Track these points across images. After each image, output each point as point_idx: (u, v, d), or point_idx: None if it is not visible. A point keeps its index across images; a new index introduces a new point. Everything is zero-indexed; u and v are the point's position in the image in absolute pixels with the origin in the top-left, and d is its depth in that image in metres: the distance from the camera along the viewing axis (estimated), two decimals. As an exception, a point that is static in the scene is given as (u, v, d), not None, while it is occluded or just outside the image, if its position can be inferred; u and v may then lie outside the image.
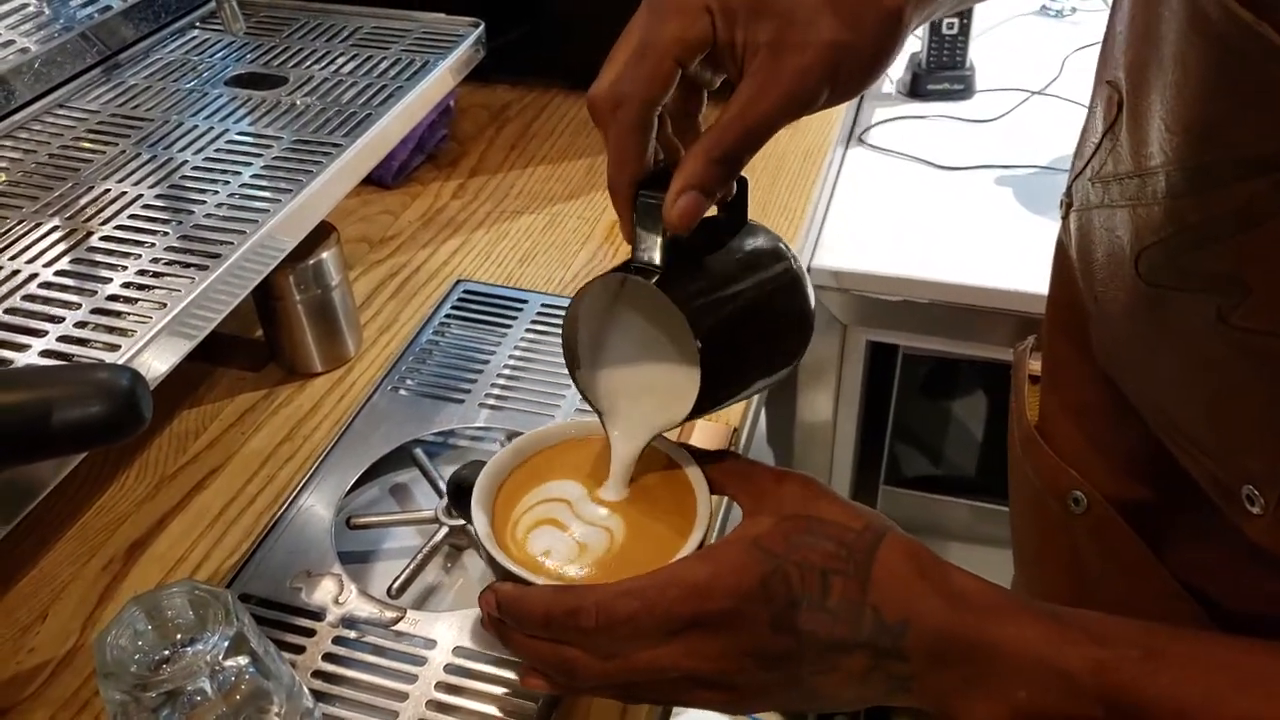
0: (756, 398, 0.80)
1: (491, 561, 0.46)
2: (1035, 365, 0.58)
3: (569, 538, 0.47)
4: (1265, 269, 0.34)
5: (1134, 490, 0.47)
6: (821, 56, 0.40)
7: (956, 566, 0.42)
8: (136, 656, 0.46)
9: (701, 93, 0.46)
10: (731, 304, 0.45)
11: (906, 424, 1.29)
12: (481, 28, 0.79)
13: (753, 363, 0.47)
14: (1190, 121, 0.35)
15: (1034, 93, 1.21)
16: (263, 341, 0.78)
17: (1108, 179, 0.44)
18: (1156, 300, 0.41)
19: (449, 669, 0.54)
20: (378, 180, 0.99)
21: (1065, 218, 0.53)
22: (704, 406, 0.45)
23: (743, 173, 0.46)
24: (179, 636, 0.47)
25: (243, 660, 0.47)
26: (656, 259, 0.44)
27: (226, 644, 0.46)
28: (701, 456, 0.48)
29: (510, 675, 0.54)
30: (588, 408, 0.69)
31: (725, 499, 0.51)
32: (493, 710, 0.52)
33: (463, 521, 0.61)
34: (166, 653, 0.46)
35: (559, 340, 0.49)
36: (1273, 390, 0.36)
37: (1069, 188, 0.51)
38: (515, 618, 0.44)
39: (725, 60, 0.42)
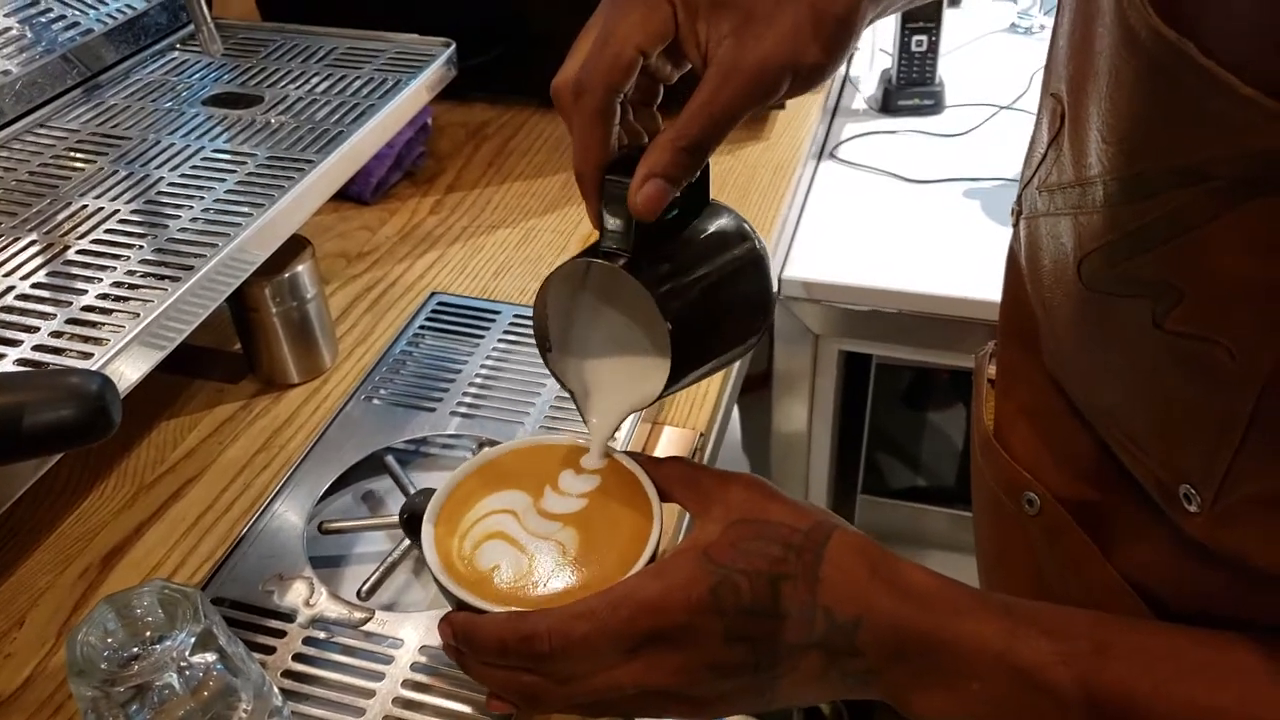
0: (725, 404, 0.81)
1: (444, 590, 0.46)
2: (994, 370, 0.59)
3: (518, 552, 0.46)
4: (1196, 275, 0.35)
5: (1084, 491, 0.49)
6: (783, 46, 0.41)
7: (906, 561, 0.43)
8: (106, 654, 0.47)
9: (659, 86, 0.47)
10: (698, 285, 0.46)
11: (885, 433, 1.31)
12: (453, 48, 0.81)
13: (718, 340, 0.48)
14: (1123, 133, 0.37)
15: (1002, 107, 1.24)
16: (240, 354, 0.80)
17: (1053, 188, 0.45)
18: (1098, 306, 0.42)
19: (415, 667, 0.55)
20: (356, 197, 1.01)
21: (1015, 226, 0.54)
22: (673, 385, 0.46)
23: None
24: (148, 634, 0.48)
25: (210, 657, 0.48)
26: (623, 243, 0.44)
27: (193, 640, 0.47)
28: (649, 464, 0.49)
29: (475, 672, 0.55)
30: (557, 415, 0.71)
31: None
32: (458, 707, 0.54)
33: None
34: (136, 650, 0.48)
35: (531, 349, 0.50)
36: (1204, 393, 0.37)
37: (1019, 196, 0.53)
38: (471, 647, 0.44)
39: (688, 50, 0.43)
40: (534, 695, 0.44)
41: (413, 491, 0.66)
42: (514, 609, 0.43)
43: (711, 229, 0.48)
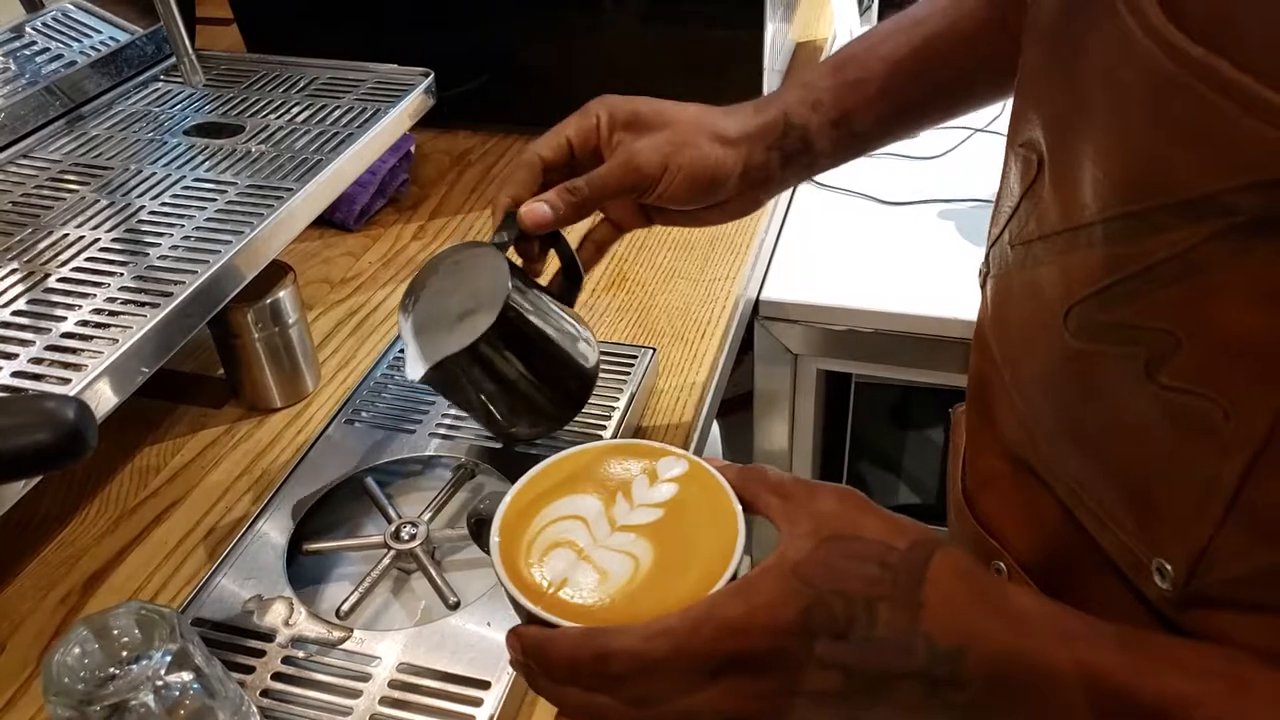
0: (702, 424, 0.82)
1: (513, 601, 0.43)
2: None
3: (588, 565, 0.43)
4: (1198, 323, 0.34)
5: (1050, 561, 0.47)
6: (653, 173, 0.58)
7: (1014, 584, 0.40)
8: (83, 674, 0.48)
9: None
10: (543, 315, 0.58)
11: (867, 451, 1.32)
12: (431, 77, 0.83)
13: (538, 364, 0.59)
14: (1129, 164, 0.35)
15: (976, 130, 1.26)
16: (224, 380, 0.81)
17: (1030, 239, 0.43)
18: (1083, 359, 0.40)
19: (393, 684, 0.56)
20: (340, 224, 1.02)
21: (983, 289, 0.53)
22: (483, 351, 0.55)
23: (583, 270, 0.63)
24: (125, 654, 0.49)
25: (186, 676, 0.49)
26: (506, 242, 0.58)
27: (169, 660, 0.48)
28: (730, 471, 0.46)
29: (451, 688, 0.56)
30: (547, 440, 0.72)
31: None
32: (433, 723, 0.54)
33: (410, 547, 0.64)
34: (113, 670, 0.48)
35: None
36: (1192, 455, 0.36)
37: (986, 257, 0.51)
38: (541, 664, 0.41)
39: (603, 149, 0.60)
40: (605, 718, 0.41)
41: (391, 512, 0.67)
42: (588, 625, 0.41)
43: (571, 313, 0.62)
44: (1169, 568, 0.38)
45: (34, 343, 0.56)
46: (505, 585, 0.43)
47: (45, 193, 0.70)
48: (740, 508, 0.44)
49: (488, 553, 0.45)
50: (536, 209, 0.57)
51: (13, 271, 0.62)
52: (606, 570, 0.43)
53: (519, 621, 0.44)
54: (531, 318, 0.57)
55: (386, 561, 0.63)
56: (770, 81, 1.08)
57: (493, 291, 0.56)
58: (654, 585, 0.42)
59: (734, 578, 0.41)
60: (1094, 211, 0.37)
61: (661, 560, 0.43)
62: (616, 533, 0.44)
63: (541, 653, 0.41)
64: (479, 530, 0.49)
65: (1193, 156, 0.32)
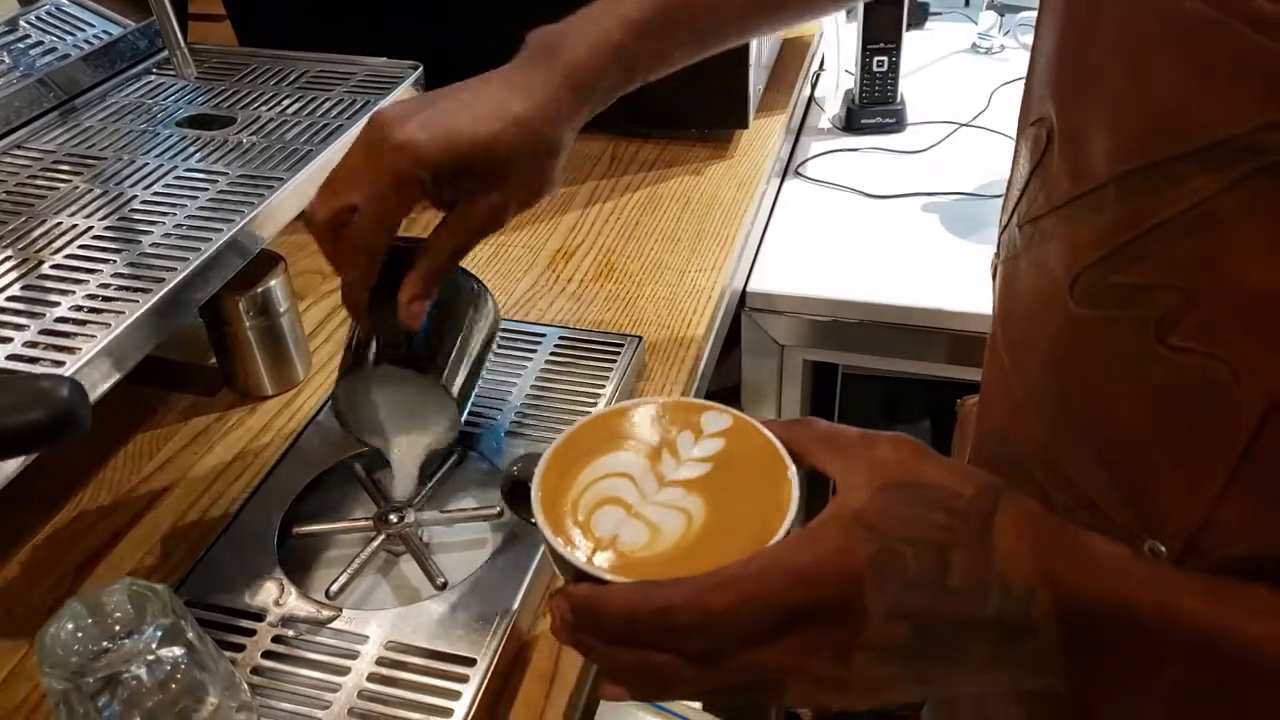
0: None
1: (560, 560, 0.41)
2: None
3: (638, 521, 0.41)
4: (1213, 278, 0.33)
5: None
6: (502, 204, 0.57)
7: (1083, 529, 0.38)
8: (76, 648, 0.49)
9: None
10: (459, 352, 0.63)
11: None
12: (420, 70, 0.84)
13: (473, 365, 0.65)
14: (1148, 115, 0.34)
15: (962, 124, 1.27)
16: (216, 368, 0.82)
17: (1038, 216, 0.43)
18: (1086, 329, 0.40)
19: (380, 661, 0.57)
20: (331, 216, 1.03)
21: (994, 279, 0.53)
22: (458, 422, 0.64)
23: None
24: (118, 629, 0.50)
25: (178, 650, 0.50)
26: (402, 349, 0.61)
27: (160, 634, 0.49)
28: (777, 426, 0.44)
29: (438, 665, 0.57)
30: (526, 418, 0.73)
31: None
32: (420, 697, 0.55)
33: (398, 529, 0.65)
34: (106, 645, 0.50)
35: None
36: (1196, 421, 0.35)
37: (998, 244, 0.51)
38: (595, 622, 0.39)
39: (436, 204, 0.57)
40: (664, 678, 0.38)
41: (380, 496, 0.68)
42: (644, 579, 0.39)
43: (452, 302, 0.64)
44: (1162, 549, 0.38)
45: (28, 327, 0.57)
46: (551, 542, 0.41)
47: (39, 182, 0.71)
48: (790, 460, 0.43)
49: (525, 517, 0.43)
50: (416, 310, 0.57)
51: (8, 259, 0.63)
52: (658, 526, 0.41)
53: (558, 588, 0.42)
54: (466, 366, 0.64)
55: (375, 544, 0.65)
56: (755, 77, 1.10)
57: (419, 394, 0.64)
58: (709, 539, 0.40)
59: (788, 532, 0.40)
60: (1106, 171, 0.37)
61: (714, 514, 0.41)
62: (665, 488, 0.43)
63: (594, 610, 0.38)
64: (514, 493, 0.47)
65: (1222, 97, 0.31)
